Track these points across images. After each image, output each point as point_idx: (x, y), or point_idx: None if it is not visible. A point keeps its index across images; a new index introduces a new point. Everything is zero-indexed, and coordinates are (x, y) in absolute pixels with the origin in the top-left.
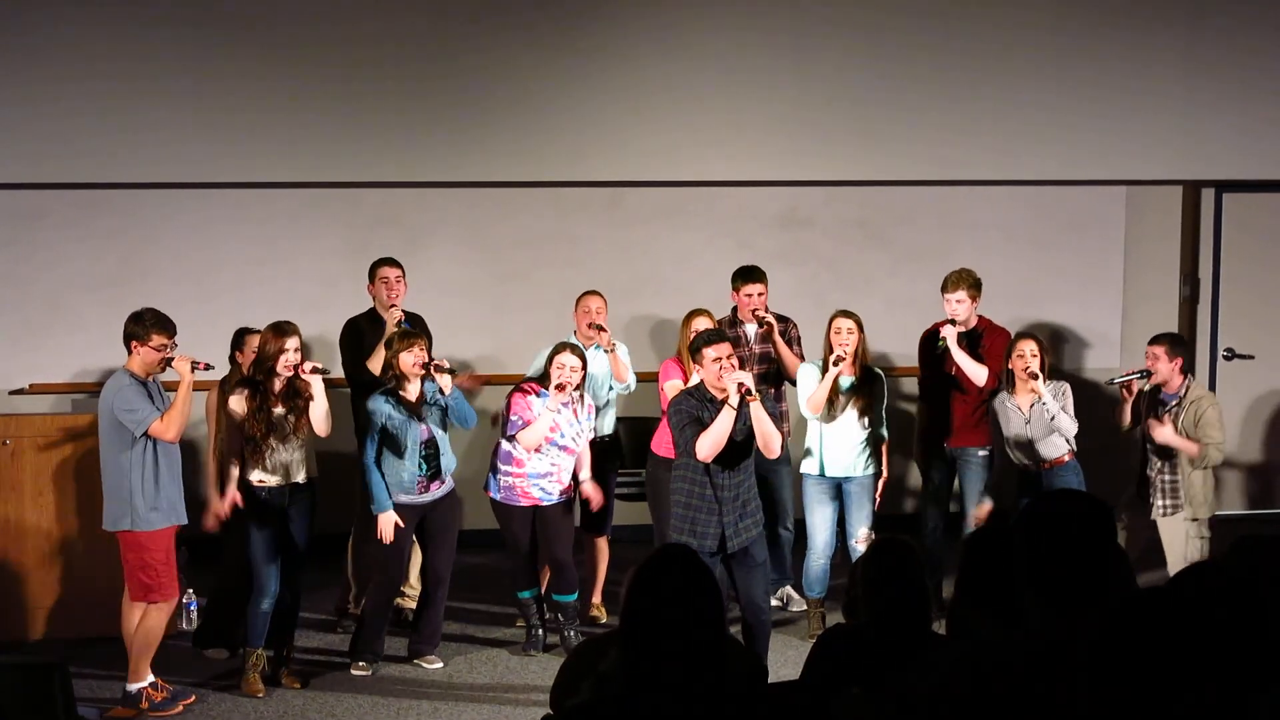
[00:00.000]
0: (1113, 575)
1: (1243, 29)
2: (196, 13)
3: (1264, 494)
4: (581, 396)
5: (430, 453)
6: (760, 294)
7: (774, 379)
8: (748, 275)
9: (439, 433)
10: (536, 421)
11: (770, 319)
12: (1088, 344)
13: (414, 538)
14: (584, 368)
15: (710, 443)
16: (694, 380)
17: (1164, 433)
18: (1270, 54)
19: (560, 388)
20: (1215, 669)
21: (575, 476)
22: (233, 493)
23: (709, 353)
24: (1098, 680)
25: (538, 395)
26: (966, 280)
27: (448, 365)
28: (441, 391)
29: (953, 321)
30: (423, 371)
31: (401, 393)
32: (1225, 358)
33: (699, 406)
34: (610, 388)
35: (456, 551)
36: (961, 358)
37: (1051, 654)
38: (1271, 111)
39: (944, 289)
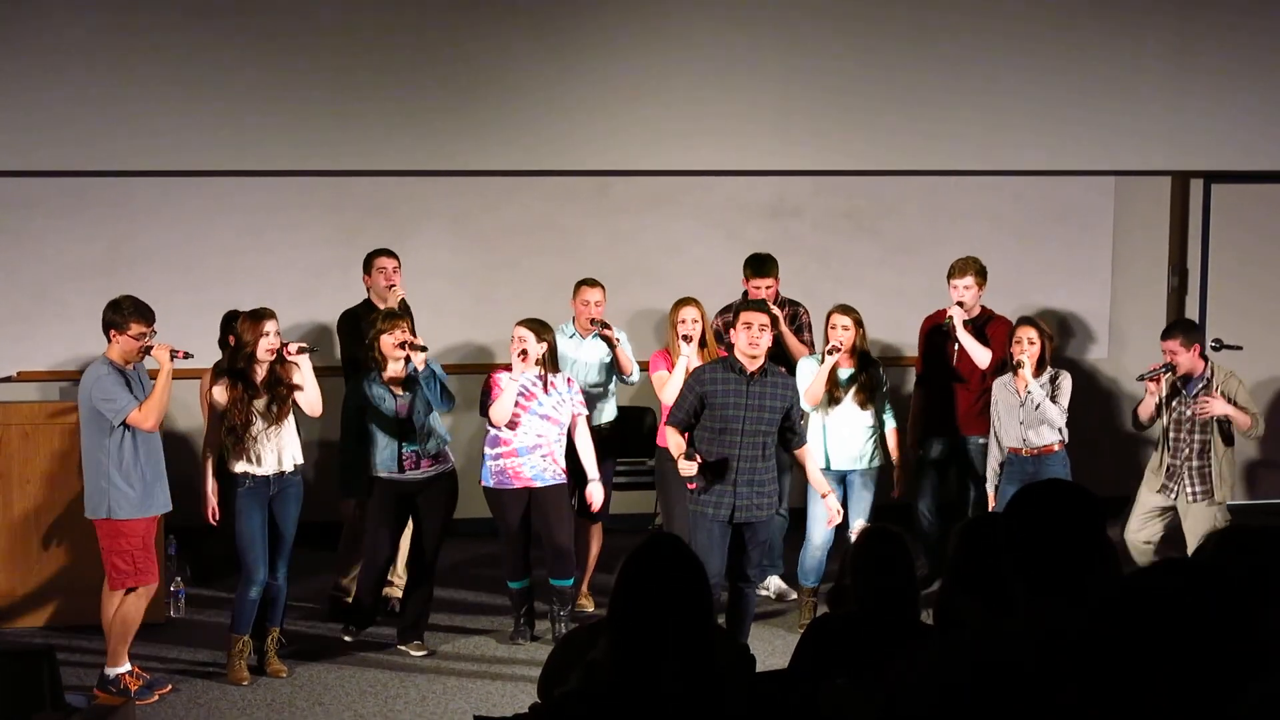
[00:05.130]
0: (1100, 565)
1: (1231, 20)
2: (186, 1)
3: (1252, 484)
4: (551, 369)
5: (410, 430)
6: (769, 288)
7: (783, 361)
8: (758, 268)
9: (421, 411)
10: (502, 394)
11: (777, 313)
12: (1076, 334)
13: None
14: (543, 340)
15: (671, 443)
16: (679, 367)
17: (1217, 405)
18: (1258, 46)
19: (522, 356)
20: (1203, 660)
21: (571, 466)
22: (211, 500)
23: (744, 316)
24: (1086, 671)
25: (507, 374)
26: (973, 267)
27: (420, 343)
28: (415, 370)
29: (960, 304)
30: (402, 352)
31: (383, 373)
32: (1214, 348)
33: (711, 378)
34: (610, 378)
35: (449, 539)
36: (966, 339)
37: (1040, 645)
38: (1260, 103)
39: (950, 275)
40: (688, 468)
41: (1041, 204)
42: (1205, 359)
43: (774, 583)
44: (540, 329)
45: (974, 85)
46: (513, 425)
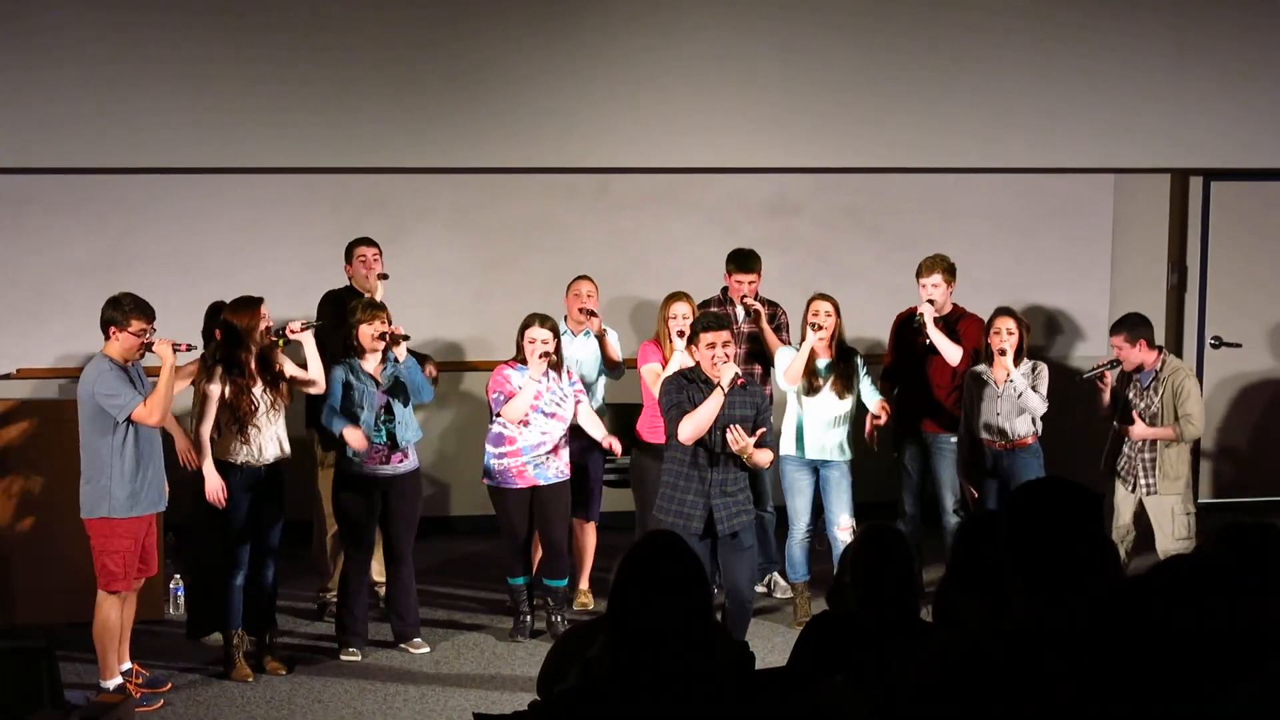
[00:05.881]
0: (1099, 563)
1: (1231, 17)
2: None
3: (1250, 481)
4: (559, 365)
5: (387, 420)
6: (751, 283)
7: (760, 359)
8: (741, 264)
9: (398, 403)
10: (519, 394)
11: (758, 307)
12: (1076, 332)
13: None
14: (556, 336)
15: (693, 426)
16: (674, 363)
17: (1137, 430)
18: (1258, 43)
19: (544, 357)
20: (1199, 657)
21: (572, 454)
22: (219, 482)
23: (705, 338)
24: (1083, 669)
25: (515, 369)
26: (941, 264)
27: (403, 331)
28: (396, 360)
29: (930, 302)
30: (381, 343)
31: (360, 362)
32: (1213, 345)
33: (689, 388)
34: (600, 374)
35: (447, 536)
36: (937, 336)
37: (1038, 643)
38: (1259, 100)
39: (919, 274)
40: (729, 370)
41: (1041, 201)
42: (1160, 349)
43: (773, 579)
44: (551, 324)
45: (974, 83)
46: (521, 422)
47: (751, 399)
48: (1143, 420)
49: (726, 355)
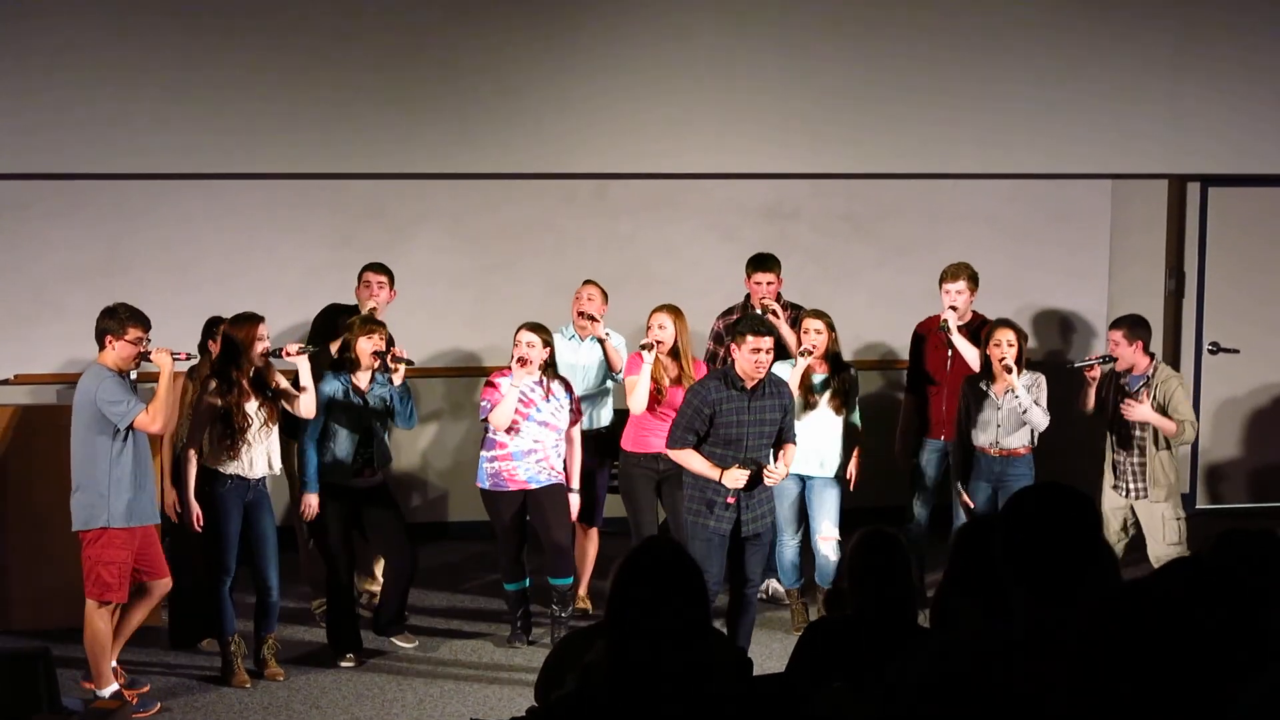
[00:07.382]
0: (1097, 568)
1: (1230, 24)
2: (183, 4)
3: (1248, 488)
4: (551, 375)
5: (367, 439)
6: (770, 283)
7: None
8: (759, 264)
9: (378, 424)
10: (503, 400)
11: (776, 308)
12: (1073, 337)
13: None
14: (547, 345)
15: (681, 463)
16: (644, 375)
17: (1140, 410)
18: (1256, 49)
19: (521, 362)
20: (1198, 662)
21: (568, 469)
22: (195, 506)
23: (751, 341)
24: (1082, 674)
25: (504, 377)
26: (965, 271)
27: (405, 356)
28: (391, 381)
29: (953, 308)
30: (377, 361)
31: (353, 376)
32: (1210, 351)
33: (717, 398)
34: (605, 380)
35: (443, 542)
36: (961, 343)
37: (1036, 647)
38: (1257, 106)
39: (942, 280)
40: (740, 477)
41: (1039, 207)
42: (1151, 356)
43: (770, 585)
44: (542, 333)
45: (972, 88)
46: (511, 430)
47: (780, 400)
48: (1127, 430)
49: (766, 360)
